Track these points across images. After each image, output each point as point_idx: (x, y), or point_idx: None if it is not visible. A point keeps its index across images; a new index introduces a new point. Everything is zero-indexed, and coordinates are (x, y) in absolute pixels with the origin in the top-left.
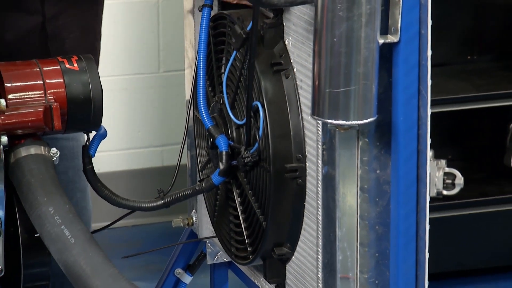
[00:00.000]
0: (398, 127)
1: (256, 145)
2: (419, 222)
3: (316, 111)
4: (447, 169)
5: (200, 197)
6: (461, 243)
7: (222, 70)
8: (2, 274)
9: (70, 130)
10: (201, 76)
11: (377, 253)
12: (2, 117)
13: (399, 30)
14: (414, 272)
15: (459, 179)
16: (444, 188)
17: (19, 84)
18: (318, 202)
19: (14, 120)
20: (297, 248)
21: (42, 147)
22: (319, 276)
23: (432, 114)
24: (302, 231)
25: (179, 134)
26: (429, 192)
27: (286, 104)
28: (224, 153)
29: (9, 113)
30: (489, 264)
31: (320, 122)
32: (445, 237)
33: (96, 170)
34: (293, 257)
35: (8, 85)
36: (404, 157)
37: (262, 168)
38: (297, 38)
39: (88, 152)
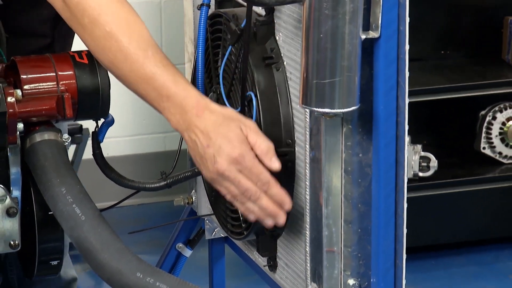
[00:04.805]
0: (379, 115)
1: None
2: (398, 201)
3: (304, 101)
4: (422, 153)
5: (199, 178)
6: (436, 220)
7: (219, 64)
8: (19, 248)
9: (80, 117)
10: (199, 69)
11: (359, 229)
12: (19, 106)
13: (380, 27)
14: (393, 246)
15: (434, 162)
16: (420, 170)
17: (34, 76)
18: (306, 183)
19: (29, 109)
20: (287, 225)
21: (55, 133)
22: (307, 250)
23: (409, 103)
24: (292, 210)
25: None
26: (407, 174)
27: (277, 94)
28: None
29: (25, 102)
30: (461, 239)
31: (308, 110)
32: (421, 214)
33: (105, 155)
34: (283, 233)
35: (24, 76)
36: (384, 142)
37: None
38: (287, 34)
39: (97, 138)
